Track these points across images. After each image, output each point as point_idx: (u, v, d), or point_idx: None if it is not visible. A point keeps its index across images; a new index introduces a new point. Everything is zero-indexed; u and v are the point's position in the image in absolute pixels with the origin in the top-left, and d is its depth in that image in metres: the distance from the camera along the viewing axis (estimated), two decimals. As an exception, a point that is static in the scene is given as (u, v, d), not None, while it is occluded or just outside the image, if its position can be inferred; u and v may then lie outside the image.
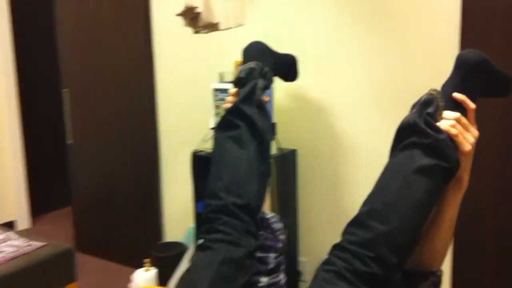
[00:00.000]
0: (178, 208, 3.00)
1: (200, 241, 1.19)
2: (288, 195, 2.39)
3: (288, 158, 2.38)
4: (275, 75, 1.56)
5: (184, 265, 2.65)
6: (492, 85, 1.15)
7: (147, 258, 2.76)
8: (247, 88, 1.32)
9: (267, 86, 1.42)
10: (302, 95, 2.35)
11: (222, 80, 2.51)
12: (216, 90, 2.44)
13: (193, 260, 1.23)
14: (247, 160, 1.25)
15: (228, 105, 1.36)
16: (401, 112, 2.11)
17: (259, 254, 1.24)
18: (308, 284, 1.07)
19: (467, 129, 1.06)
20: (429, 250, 1.09)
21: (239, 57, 2.52)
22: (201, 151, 2.48)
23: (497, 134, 1.86)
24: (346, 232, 1.06)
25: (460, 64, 1.12)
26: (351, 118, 2.26)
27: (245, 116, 1.29)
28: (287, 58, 1.74)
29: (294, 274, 2.45)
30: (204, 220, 1.23)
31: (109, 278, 3.09)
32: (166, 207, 3.07)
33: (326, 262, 1.03)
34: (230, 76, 2.47)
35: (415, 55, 2.04)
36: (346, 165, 2.30)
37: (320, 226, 2.42)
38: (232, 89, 1.38)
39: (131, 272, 2.76)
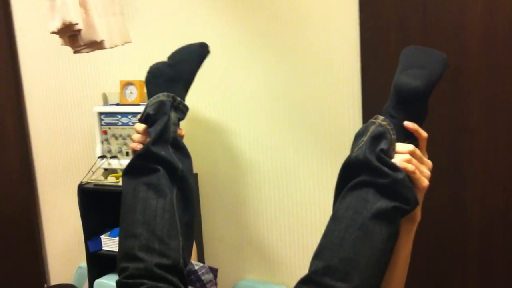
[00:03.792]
0: (64, 247, 2.67)
1: None
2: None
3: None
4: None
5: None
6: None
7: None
8: (158, 127, 1.11)
9: (181, 118, 1.22)
10: (197, 116, 2.17)
11: (106, 102, 2.26)
12: (101, 114, 2.19)
13: None
14: (167, 209, 1.06)
15: (136, 146, 1.15)
16: (301, 128, 2.10)
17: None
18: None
19: (421, 162, 0.96)
20: None
21: (124, 76, 2.32)
22: (88, 182, 2.21)
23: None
24: None
25: (405, 89, 0.98)
26: (249, 137, 2.12)
27: (161, 159, 1.09)
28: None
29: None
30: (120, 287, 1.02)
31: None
32: (50, 246, 2.72)
33: None
34: (116, 97, 2.23)
35: (315, 71, 1.95)
36: (247, 186, 2.17)
37: (225, 251, 2.28)
38: (139, 125, 1.17)
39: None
